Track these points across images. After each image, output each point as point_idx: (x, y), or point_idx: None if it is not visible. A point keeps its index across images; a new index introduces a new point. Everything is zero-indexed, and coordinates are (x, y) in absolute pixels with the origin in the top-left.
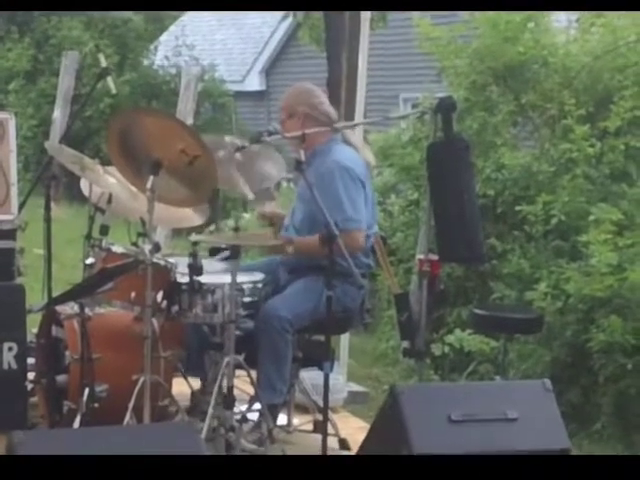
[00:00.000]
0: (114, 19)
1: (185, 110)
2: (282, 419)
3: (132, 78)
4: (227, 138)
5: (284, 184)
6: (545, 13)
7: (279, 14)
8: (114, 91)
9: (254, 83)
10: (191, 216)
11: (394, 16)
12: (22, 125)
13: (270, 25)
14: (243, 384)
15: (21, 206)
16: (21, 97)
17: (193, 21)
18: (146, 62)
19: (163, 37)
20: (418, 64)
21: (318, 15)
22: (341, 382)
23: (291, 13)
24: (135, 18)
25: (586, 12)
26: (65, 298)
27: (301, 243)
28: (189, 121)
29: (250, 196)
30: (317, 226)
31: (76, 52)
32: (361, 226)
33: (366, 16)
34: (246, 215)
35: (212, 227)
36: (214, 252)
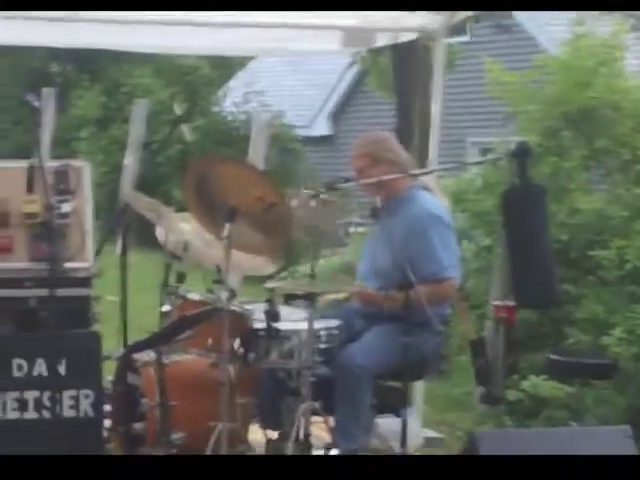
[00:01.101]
0: (183, 67)
1: (256, 156)
2: None
3: (202, 124)
4: (304, 191)
5: (352, 230)
6: (617, 58)
7: (346, 60)
8: (189, 138)
9: (322, 128)
10: (265, 263)
11: (461, 61)
12: (93, 172)
13: (337, 71)
14: (319, 430)
15: (96, 254)
16: (92, 144)
17: (261, 67)
18: (215, 108)
19: (231, 83)
20: (485, 109)
21: (386, 61)
22: (416, 428)
23: (358, 59)
24: (202, 64)
25: None
26: (144, 345)
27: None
28: (260, 167)
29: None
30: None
31: (146, 100)
32: (456, 274)
33: (440, 61)
34: (321, 262)
35: (284, 274)
36: (289, 299)
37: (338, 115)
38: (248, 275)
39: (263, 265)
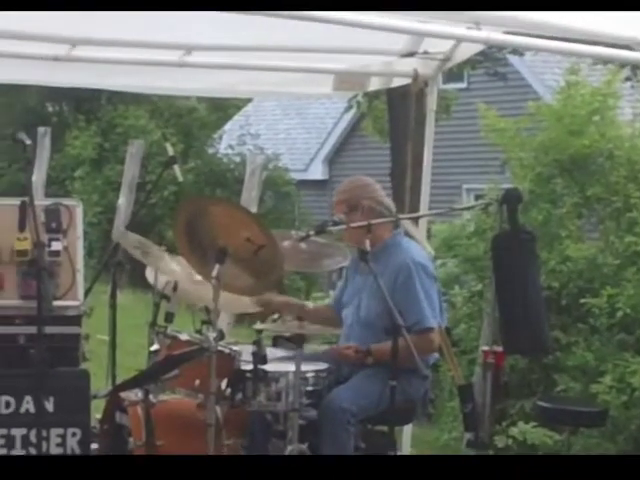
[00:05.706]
0: (179, 108)
1: (249, 198)
2: None
3: (196, 166)
4: (293, 232)
5: (344, 273)
6: (611, 106)
7: (343, 105)
8: (180, 179)
9: (317, 172)
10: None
11: (458, 107)
12: (87, 212)
13: (333, 116)
14: None
15: (86, 292)
16: (86, 184)
17: (257, 110)
18: (210, 150)
19: (227, 126)
20: (481, 155)
21: (382, 106)
22: None
23: (354, 103)
24: (199, 107)
25: None
26: (131, 384)
27: (380, 352)
28: (253, 209)
29: None
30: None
31: (141, 141)
32: (437, 324)
33: (432, 107)
34: (309, 304)
35: (275, 315)
36: (277, 341)
37: (333, 159)
38: (237, 314)
39: (250, 304)
